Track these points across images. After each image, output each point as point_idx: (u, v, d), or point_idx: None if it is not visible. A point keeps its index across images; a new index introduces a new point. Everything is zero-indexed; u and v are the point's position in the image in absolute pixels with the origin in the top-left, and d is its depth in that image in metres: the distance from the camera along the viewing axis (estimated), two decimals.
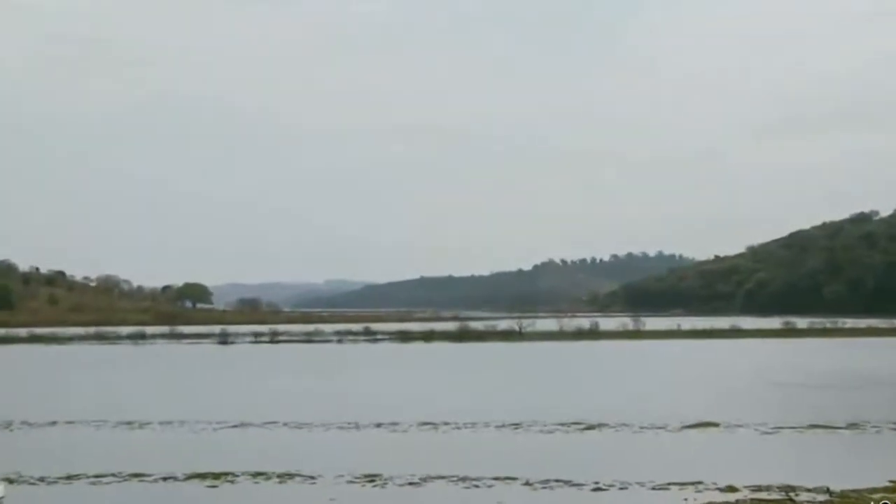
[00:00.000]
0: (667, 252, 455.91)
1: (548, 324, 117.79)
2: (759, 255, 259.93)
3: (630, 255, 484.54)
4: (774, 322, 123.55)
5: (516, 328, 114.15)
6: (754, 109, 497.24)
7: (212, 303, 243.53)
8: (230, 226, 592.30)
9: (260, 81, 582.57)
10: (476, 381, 53.29)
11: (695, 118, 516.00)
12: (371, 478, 22.07)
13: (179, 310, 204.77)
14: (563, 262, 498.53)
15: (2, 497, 18.83)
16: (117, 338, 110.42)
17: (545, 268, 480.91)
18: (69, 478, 22.76)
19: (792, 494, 19.24)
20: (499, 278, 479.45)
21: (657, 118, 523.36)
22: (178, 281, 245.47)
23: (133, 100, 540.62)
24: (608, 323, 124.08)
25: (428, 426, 31.88)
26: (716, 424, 31.19)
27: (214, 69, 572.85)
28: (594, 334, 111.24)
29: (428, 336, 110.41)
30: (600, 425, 31.39)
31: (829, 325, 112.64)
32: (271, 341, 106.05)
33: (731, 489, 20.02)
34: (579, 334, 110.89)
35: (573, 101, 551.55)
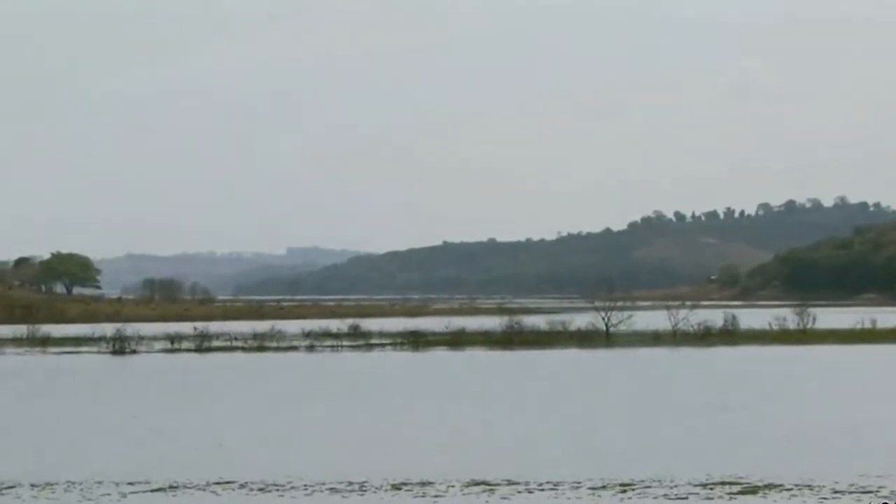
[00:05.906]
0: (853, 199, 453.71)
1: (653, 319, 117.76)
2: None
3: (791, 204, 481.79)
4: None
5: (601, 326, 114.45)
6: None
7: (100, 286, 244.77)
8: (128, 164, 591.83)
9: None
10: (545, 412, 53.24)
11: None
12: None
13: (44, 297, 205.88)
14: (679, 216, 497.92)
15: None
16: None
17: (648, 227, 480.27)
18: None
19: None
20: (572, 245, 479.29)
21: None
22: (42, 251, 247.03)
23: None
24: (755, 317, 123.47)
25: (479, 488, 31.94)
26: None
27: None
28: (731, 336, 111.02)
29: (456, 339, 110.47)
30: (767, 486, 31.41)
31: None
32: (199, 349, 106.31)
33: None
34: (706, 336, 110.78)
35: None
